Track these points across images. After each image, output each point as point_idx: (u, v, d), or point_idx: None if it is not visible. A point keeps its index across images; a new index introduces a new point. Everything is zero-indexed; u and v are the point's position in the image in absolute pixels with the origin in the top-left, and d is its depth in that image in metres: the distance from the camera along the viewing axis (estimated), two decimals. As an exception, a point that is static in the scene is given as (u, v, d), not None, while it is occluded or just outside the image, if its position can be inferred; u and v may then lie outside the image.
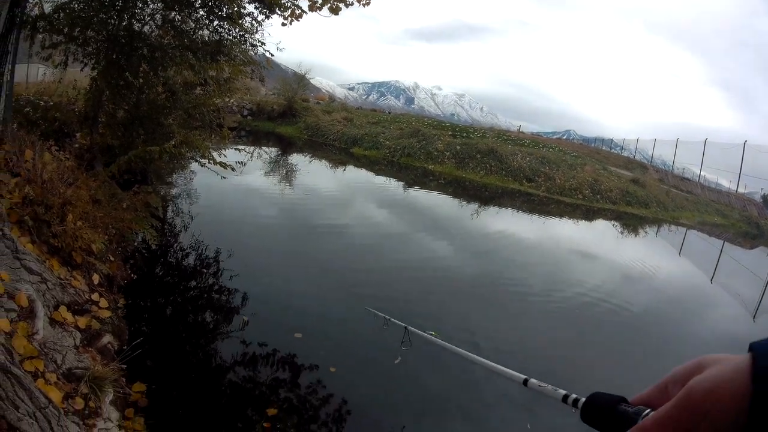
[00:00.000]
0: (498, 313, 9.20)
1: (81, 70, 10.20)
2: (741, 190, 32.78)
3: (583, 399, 0.87)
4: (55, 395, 3.89)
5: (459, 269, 11.17)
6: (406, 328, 4.53)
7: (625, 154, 39.74)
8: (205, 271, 8.78)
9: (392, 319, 4.99)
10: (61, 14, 9.04)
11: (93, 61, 9.73)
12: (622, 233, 19.08)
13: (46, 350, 4.37)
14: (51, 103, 10.65)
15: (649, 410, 0.71)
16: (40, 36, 9.27)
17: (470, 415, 6.13)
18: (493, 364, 1.67)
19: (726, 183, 33.63)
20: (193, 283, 8.41)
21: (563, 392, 1.03)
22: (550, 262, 13.12)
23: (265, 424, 5.27)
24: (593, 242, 16.78)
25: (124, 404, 4.90)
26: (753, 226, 28.96)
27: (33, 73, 15.90)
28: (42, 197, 5.81)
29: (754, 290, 15.31)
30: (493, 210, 19.22)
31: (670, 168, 34.91)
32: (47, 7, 9.26)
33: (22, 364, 3.82)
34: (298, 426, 5.41)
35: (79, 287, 5.84)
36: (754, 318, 12.19)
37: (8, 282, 4.50)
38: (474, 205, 19.34)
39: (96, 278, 6.33)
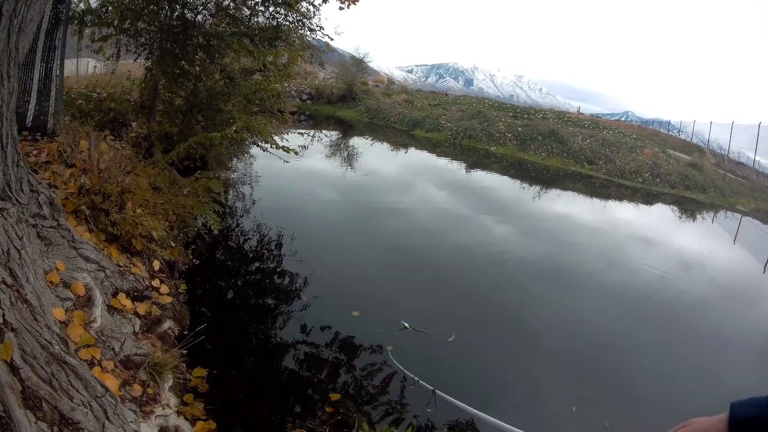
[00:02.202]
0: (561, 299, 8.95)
1: (134, 60, 10.34)
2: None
3: None
4: (112, 383, 3.90)
5: (523, 254, 10.90)
6: (433, 391, 4.48)
7: (682, 136, 38.10)
8: (266, 254, 8.82)
9: (420, 381, 5.22)
10: (109, 8, 9.13)
11: (146, 52, 9.83)
12: (680, 218, 18.29)
13: (103, 338, 4.41)
14: (104, 95, 10.83)
15: None
16: (88, 30, 9.40)
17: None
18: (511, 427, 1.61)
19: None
20: (255, 266, 8.45)
21: None
22: (611, 247, 12.69)
23: (328, 409, 5.21)
24: (655, 227, 16.07)
25: (184, 390, 4.91)
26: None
27: (83, 66, 16.26)
28: (99, 186, 5.87)
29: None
30: (554, 193, 18.75)
31: (726, 152, 33.23)
32: (93, 2, 9.36)
33: (78, 353, 3.84)
34: (360, 410, 5.34)
35: (139, 274, 5.89)
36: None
37: (64, 271, 4.55)
38: (536, 188, 18.94)
39: (156, 264, 6.39)
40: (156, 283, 6.05)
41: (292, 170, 13.91)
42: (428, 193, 15.55)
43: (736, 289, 11.19)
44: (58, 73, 7.74)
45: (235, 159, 14.36)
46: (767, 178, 29.95)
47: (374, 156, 20.79)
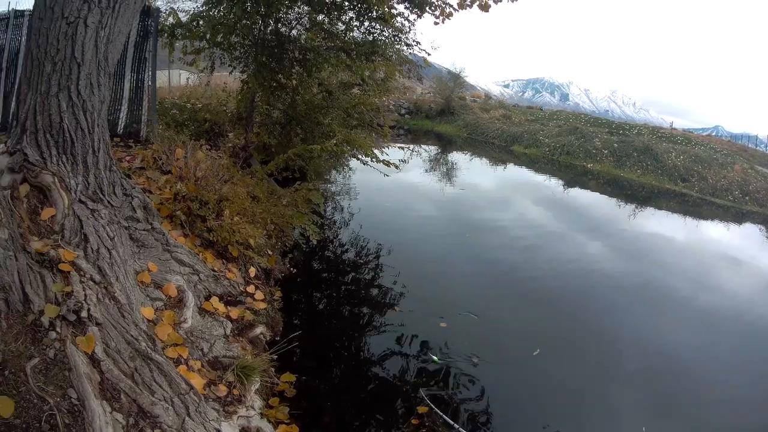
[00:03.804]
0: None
1: (230, 73, 10.71)
2: None
3: None
4: (197, 381, 4.01)
5: (614, 274, 10.41)
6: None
7: None
8: (363, 266, 8.88)
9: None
10: (200, 22, 9.52)
11: (242, 65, 10.18)
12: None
13: (192, 338, 4.55)
14: (199, 105, 11.28)
15: None
16: (179, 43, 9.82)
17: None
18: None
19: None
20: (351, 277, 8.52)
21: None
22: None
23: (413, 421, 5.13)
24: (745, 248, 14.90)
25: (270, 393, 4.99)
26: None
27: (175, 78, 17.00)
28: (196, 193, 6.10)
29: None
30: (649, 212, 17.90)
31: None
32: (183, 16, 9.79)
33: (165, 351, 3.97)
34: (445, 424, 5.23)
35: (234, 279, 6.06)
36: None
37: (156, 273, 4.74)
38: (632, 206, 18.21)
39: (252, 271, 6.56)
40: (251, 289, 6.20)
41: (392, 184, 13.93)
42: (525, 209, 15.24)
43: None
44: (150, 83, 8.18)
45: (333, 171, 14.60)
46: None
47: (473, 171, 20.58)
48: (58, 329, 3.14)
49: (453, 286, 8.66)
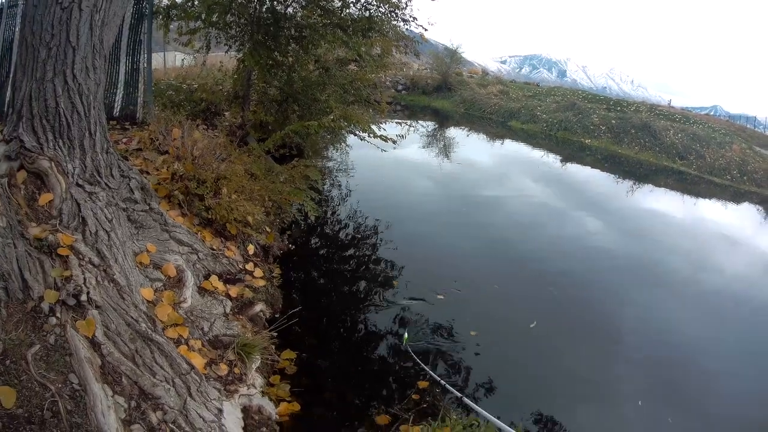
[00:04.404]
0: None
1: (226, 52, 10.62)
2: None
3: None
4: (198, 361, 4.02)
5: (613, 251, 10.43)
6: (460, 397, 4.36)
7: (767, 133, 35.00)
8: (361, 241, 8.90)
9: (447, 385, 5.05)
10: (195, 2, 9.42)
11: (238, 43, 10.08)
12: (765, 219, 16.90)
13: (192, 318, 4.56)
14: (195, 86, 11.20)
15: None
16: (174, 24, 9.73)
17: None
18: None
19: None
20: (350, 253, 8.54)
21: None
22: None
23: (414, 396, 5.16)
24: (745, 229, 14.86)
25: (271, 371, 5.01)
26: None
27: (170, 59, 16.85)
28: (193, 172, 6.08)
29: None
30: (647, 188, 17.86)
31: None
32: None
33: (165, 332, 3.98)
34: (446, 398, 5.28)
35: (233, 257, 6.06)
36: None
37: (155, 253, 4.74)
38: (630, 183, 18.18)
39: (251, 249, 6.56)
40: (250, 266, 6.21)
41: (389, 160, 13.84)
42: (523, 185, 15.19)
43: None
44: (145, 65, 8.13)
45: (331, 148, 14.53)
46: None
47: (470, 147, 20.50)
48: (58, 314, 3.15)
49: (450, 261, 8.67)
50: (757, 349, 7.45)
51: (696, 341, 7.37)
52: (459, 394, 4.74)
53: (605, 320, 7.52)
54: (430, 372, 5.42)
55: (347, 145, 14.83)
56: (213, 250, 5.79)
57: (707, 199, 18.04)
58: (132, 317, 3.50)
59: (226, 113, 10.78)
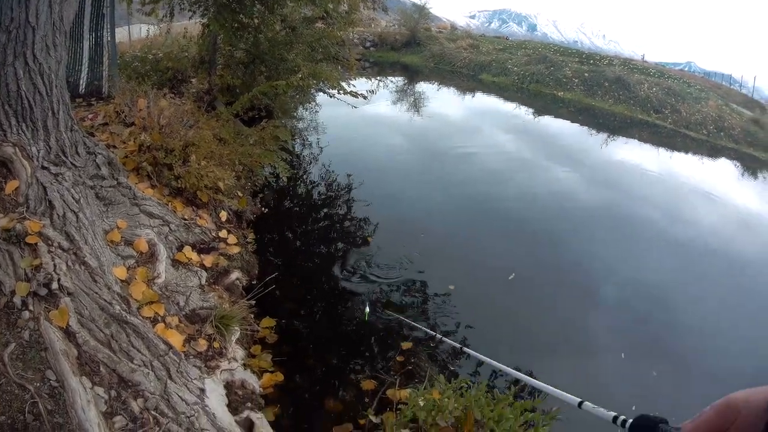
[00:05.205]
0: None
1: (190, 18, 10.27)
2: None
3: (630, 420, 0.97)
4: (176, 339, 3.93)
5: (587, 203, 10.53)
6: (461, 348, 4.34)
7: (743, 92, 35.18)
8: (334, 201, 8.81)
9: (445, 339, 5.10)
10: None
11: (201, 9, 9.73)
12: (742, 175, 17.08)
13: (167, 293, 4.44)
14: (161, 55, 10.88)
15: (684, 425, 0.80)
16: None
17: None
18: (547, 385, 1.58)
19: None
20: (323, 213, 8.45)
21: (613, 414, 1.12)
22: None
23: (398, 358, 5.16)
24: (720, 184, 14.96)
25: (251, 341, 4.94)
26: None
27: (135, 31, 16.34)
28: (161, 142, 5.89)
29: None
30: (622, 141, 17.91)
31: None
32: None
33: (141, 311, 3.87)
34: (431, 356, 5.29)
35: (206, 226, 5.92)
36: None
37: (126, 229, 4.59)
38: (604, 135, 18.21)
39: (224, 215, 6.42)
40: (223, 233, 6.08)
41: (359, 117, 13.67)
42: (494, 138, 15.10)
43: None
44: (109, 39, 7.87)
45: (300, 108, 14.27)
46: None
47: (441, 101, 20.24)
48: (30, 307, 3.01)
49: (424, 217, 8.69)
50: (730, 299, 7.65)
51: (671, 291, 7.53)
52: (458, 345, 4.73)
53: (582, 271, 7.66)
54: (423, 327, 5.43)
55: (317, 105, 14.59)
56: (185, 220, 5.63)
57: (683, 153, 18.16)
58: (105, 300, 3.37)
59: (193, 80, 10.48)
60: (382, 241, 7.42)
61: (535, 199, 10.14)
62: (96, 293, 3.35)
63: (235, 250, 5.97)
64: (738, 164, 18.06)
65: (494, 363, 3.12)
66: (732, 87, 36.38)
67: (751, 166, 18.11)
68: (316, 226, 8.05)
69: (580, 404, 1.36)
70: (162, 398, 3.13)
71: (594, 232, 9.09)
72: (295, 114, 13.57)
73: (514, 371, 2.58)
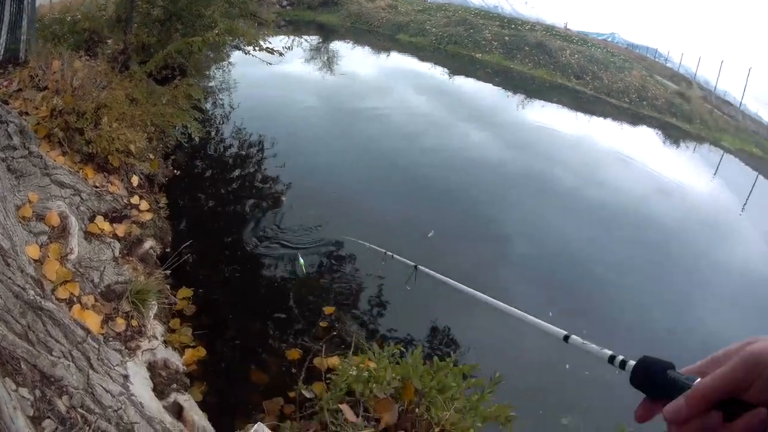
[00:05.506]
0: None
1: None
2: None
3: (632, 362, 0.84)
4: (93, 321, 3.77)
5: (501, 164, 10.81)
6: (415, 267, 4.30)
7: (669, 65, 36.67)
8: (247, 160, 8.69)
9: (397, 257, 4.96)
10: None
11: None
12: (663, 143, 17.99)
13: (81, 270, 4.23)
14: (79, 16, 10.25)
15: (699, 378, 0.69)
16: None
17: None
18: (529, 315, 1.43)
19: (766, 117, 31.23)
20: (236, 173, 8.30)
21: (609, 352, 0.97)
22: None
23: (322, 324, 5.15)
24: (639, 149, 15.65)
25: (169, 315, 4.81)
26: (796, 171, 25.51)
27: None
28: (73, 105, 5.58)
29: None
30: (539, 104, 18.32)
31: (713, 89, 32.26)
32: None
33: (55, 293, 3.67)
34: (354, 319, 5.34)
35: (117, 192, 5.68)
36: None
37: (37, 203, 4.31)
38: (521, 97, 18.54)
39: (135, 180, 6.17)
40: (135, 199, 5.84)
41: (273, 76, 13.39)
42: (408, 98, 15.05)
43: (711, 221, 11.13)
44: (29, 1, 7.34)
45: (214, 67, 13.81)
46: (754, 122, 29.35)
47: (356, 60, 20.06)
48: (-57, 308, 2.78)
49: (338, 175, 8.75)
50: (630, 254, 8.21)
51: (577, 244, 8.05)
52: (412, 263, 4.72)
53: (497, 225, 8.04)
54: (380, 249, 5.42)
55: (231, 64, 14.14)
56: (96, 187, 5.35)
57: (602, 118, 18.71)
58: (19, 285, 3.15)
59: (109, 41, 9.92)
60: (297, 201, 7.42)
61: (451, 159, 10.29)
62: (9, 279, 3.12)
63: (148, 216, 5.76)
64: (659, 132, 18.83)
65: (447, 280, 3.04)
66: (657, 60, 37.59)
67: (673, 135, 18.99)
68: (229, 187, 7.87)
69: (566, 338, 1.21)
70: (87, 393, 2.98)
71: (507, 192, 9.38)
72: (208, 73, 13.14)
73: (487, 297, 2.49)
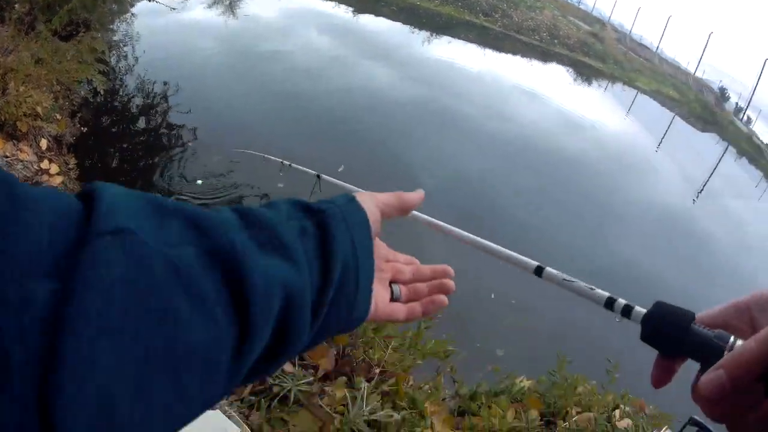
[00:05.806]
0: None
1: None
2: (699, 75, 32.59)
3: (640, 309, 0.67)
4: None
5: (407, 100, 11.30)
6: (317, 176, 4.53)
7: (582, 7, 37.30)
8: (152, 110, 8.78)
9: (301, 167, 5.32)
10: None
11: None
12: (575, 80, 18.66)
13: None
14: None
15: (732, 336, 0.55)
16: None
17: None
18: (500, 247, 1.00)
19: (683, 63, 32.85)
20: (143, 124, 8.40)
21: (606, 294, 0.73)
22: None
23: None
24: (545, 84, 16.36)
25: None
26: (708, 112, 27.27)
27: None
28: (-23, 74, 5.55)
29: (698, 170, 15.28)
30: (445, 40, 18.65)
31: (628, 32, 33.37)
32: None
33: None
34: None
35: (27, 159, 5.74)
36: (694, 201, 12.64)
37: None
38: (426, 34, 18.72)
39: (44, 144, 6.19)
40: (45, 164, 5.90)
41: (175, 23, 13.10)
42: (311, 38, 15.07)
43: (624, 157, 11.95)
44: None
45: (118, 21, 13.34)
46: (671, 67, 30.53)
47: (257, 1, 19.56)
48: None
49: (244, 117, 9.04)
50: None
51: (479, 174, 8.86)
52: (314, 172, 5.03)
53: (403, 161, 8.61)
54: (277, 159, 5.70)
55: (133, 15, 13.68)
56: (6, 157, 5.41)
57: (510, 55, 18.95)
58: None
59: (17, 5, 9.48)
60: (204, 147, 7.69)
61: (356, 98, 10.73)
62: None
63: (58, 180, 5.85)
64: (570, 70, 19.26)
65: (350, 186, 3.30)
66: (570, 1, 37.97)
67: (584, 73, 19.49)
68: (136, 139, 7.96)
69: (539, 271, 0.89)
70: None
71: (414, 129, 9.92)
72: (113, 27, 12.74)
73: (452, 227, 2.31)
